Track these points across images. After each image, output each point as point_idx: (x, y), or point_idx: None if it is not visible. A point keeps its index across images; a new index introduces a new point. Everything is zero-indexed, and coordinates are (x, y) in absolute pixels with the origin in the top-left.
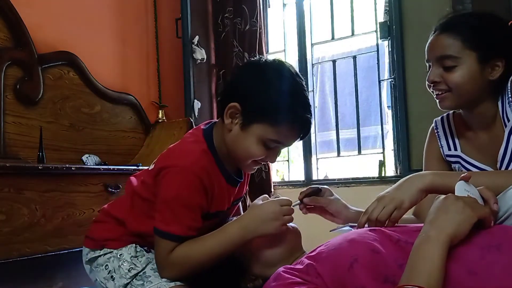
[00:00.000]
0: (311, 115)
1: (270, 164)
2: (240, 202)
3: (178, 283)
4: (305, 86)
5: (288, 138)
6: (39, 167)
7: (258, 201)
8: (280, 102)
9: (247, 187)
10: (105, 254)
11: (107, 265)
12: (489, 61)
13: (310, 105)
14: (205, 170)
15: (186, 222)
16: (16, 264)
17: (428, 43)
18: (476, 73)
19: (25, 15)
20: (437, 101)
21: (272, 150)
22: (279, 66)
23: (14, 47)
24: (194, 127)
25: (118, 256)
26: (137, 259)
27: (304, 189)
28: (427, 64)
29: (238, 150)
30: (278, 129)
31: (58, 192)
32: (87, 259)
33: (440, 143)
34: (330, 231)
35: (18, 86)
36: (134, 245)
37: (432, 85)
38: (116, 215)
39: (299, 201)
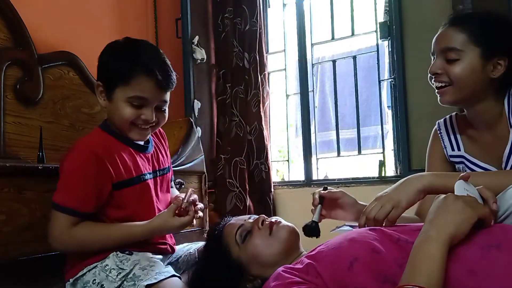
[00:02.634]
0: (159, 61)
1: (270, 164)
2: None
3: (168, 274)
4: (148, 45)
5: (147, 90)
6: (39, 167)
7: (168, 212)
8: (121, 60)
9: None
10: (89, 270)
11: (94, 279)
12: (492, 58)
13: (155, 54)
14: (100, 144)
15: (81, 195)
16: (16, 264)
17: (436, 35)
18: (478, 69)
19: (25, 15)
20: (438, 96)
21: (144, 109)
22: (118, 41)
23: (14, 47)
24: (194, 127)
25: (104, 268)
26: (123, 263)
27: (314, 192)
28: (432, 57)
29: (115, 120)
30: (132, 84)
31: None
32: (70, 283)
33: (444, 144)
34: (330, 231)
35: (18, 86)
36: (115, 253)
37: (433, 77)
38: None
39: (320, 206)
